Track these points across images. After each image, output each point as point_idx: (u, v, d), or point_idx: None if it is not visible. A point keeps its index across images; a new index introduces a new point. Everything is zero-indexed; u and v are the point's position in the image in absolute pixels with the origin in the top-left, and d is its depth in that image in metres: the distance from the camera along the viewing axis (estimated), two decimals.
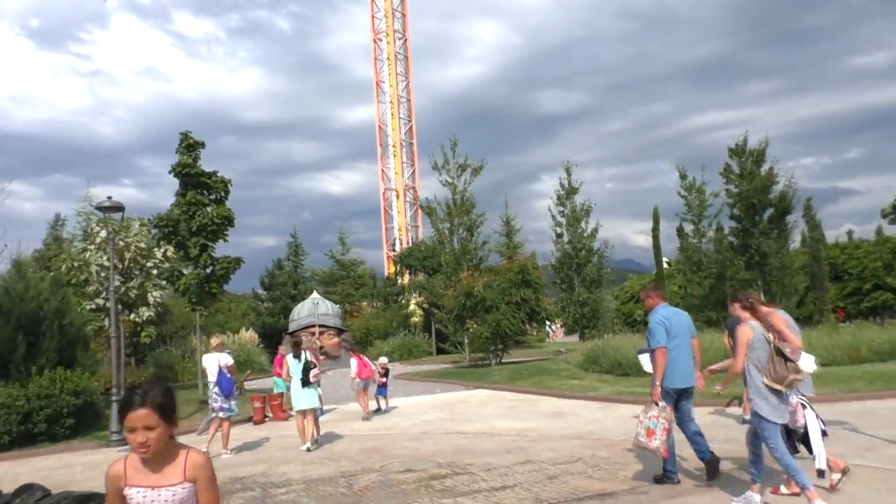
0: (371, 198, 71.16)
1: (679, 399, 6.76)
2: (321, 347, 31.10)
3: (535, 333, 39.55)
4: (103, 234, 18.54)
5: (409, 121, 72.81)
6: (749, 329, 5.78)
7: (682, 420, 6.87)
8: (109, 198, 13.00)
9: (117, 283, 18.32)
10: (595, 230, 28.30)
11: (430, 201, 27.04)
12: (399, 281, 39.77)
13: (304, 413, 10.44)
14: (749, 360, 5.73)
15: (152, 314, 19.37)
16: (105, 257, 18.35)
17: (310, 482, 7.97)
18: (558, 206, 28.70)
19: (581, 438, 9.77)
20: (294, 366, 10.56)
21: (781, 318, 6.24)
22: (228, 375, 9.83)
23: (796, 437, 6.15)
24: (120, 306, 19.21)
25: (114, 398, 12.49)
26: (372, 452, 9.75)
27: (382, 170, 72.07)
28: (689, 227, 28.96)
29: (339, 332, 32.07)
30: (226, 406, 9.85)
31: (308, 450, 10.16)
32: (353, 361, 14.14)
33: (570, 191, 28.42)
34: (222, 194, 17.52)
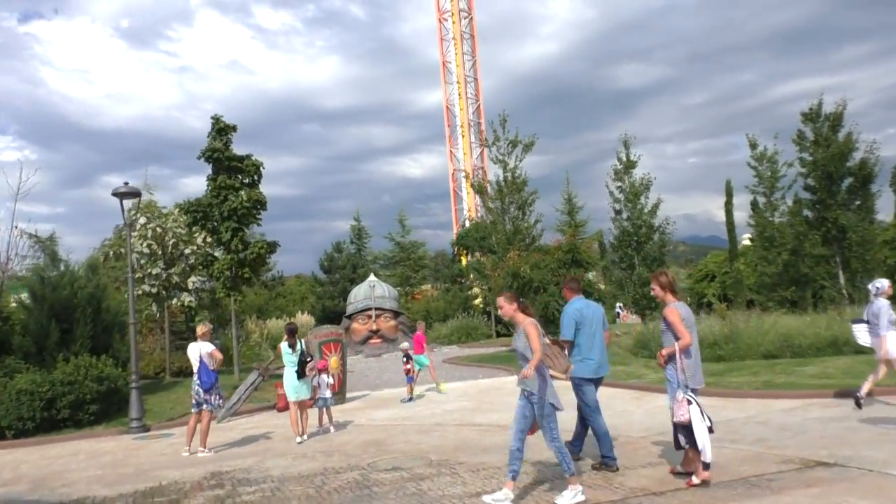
0: (448, 180, 70.73)
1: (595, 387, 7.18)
2: (377, 330, 30.91)
3: None
4: (142, 220, 18.68)
5: (477, 101, 71.69)
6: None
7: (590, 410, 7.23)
8: (126, 183, 12.82)
9: (157, 271, 18.47)
10: (656, 206, 26.69)
11: (481, 180, 26.12)
12: (456, 262, 39.15)
13: (298, 404, 9.96)
14: None
15: (193, 300, 19.41)
16: (145, 244, 18.48)
17: (285, 480, 7.43)
18: (616, 181, 27.20)
19: None
20: (288, 355, 10.05)
21: (677, 311, 6.15)
22: (211, 367, 9.33)
23: (680, 431, 6.23)
24: (164, 292, 19.41)
25: (133, 385, 12.36)
26: (370, 446, 9.15)
27: (451, 151, 71.47)
28: (761, 201, 27.09)
29: (396, 314, 31.72)
30: (205, 399, 9.34)
31: (300, 442, 9.70)
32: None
33: (629, 165, 26.87)
34: (255, 178, 17.23)
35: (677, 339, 6.14)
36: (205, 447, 9.39)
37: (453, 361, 22.39)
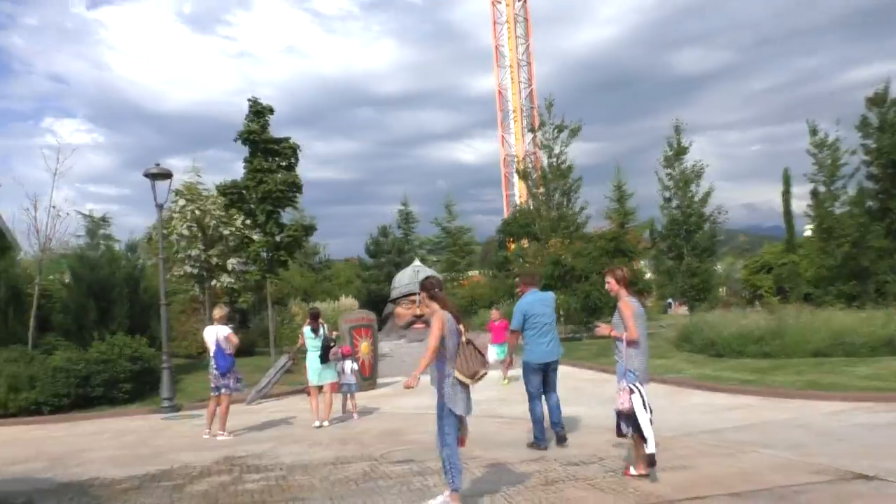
0: (500, 165, 70.21)
1: (545, 372, 7.73)
2: (420, 315, 30.80)
3: (648, 305, 37.21)
4: (182, 202, 18.88)
5: (530, 85, 70.62)
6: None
7: (548, 391, 7.84)
8: (157, 164, 12.87)
9: (197, 252, 18.65)
10: (708, 194, 25.70)
11: (526, 165, 25.59)
12: (503, 249, 38.63)
13: (318, 389, 9.83)
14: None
15: (232, 281, 19.56)
16: (185, 226, 18.66)
17: (293, 468, 7.28)
18: (666, 168, 26.28)
19: None
20: (311, 340, 9.92)
21: (630, 305, 6.24)
22: (227, 351, 9.23)
23: (622, 419, 6.22)
24: (205, 273, 19.62)
25: (164, 365, 12.45)
26: (388, 436, 8.96)
27: (503, 136, 70.74)
28: (821, 190, 25.81)
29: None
30: (222, 383, 9.26)
31: (321, 426, 9.60)
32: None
33: (679, 151, 25.90)
34: (292, 160, 17.17)
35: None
36: (224, 430, 9.34)
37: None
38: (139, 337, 13.81)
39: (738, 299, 32.67)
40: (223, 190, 16.48)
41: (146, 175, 12.75)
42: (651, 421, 6.08)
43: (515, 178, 65.76)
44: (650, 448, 6.00)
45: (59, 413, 12.02)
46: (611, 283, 6.46)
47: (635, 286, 23.63)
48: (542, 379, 7.76)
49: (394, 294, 31.92)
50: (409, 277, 31.74)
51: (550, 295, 8.12)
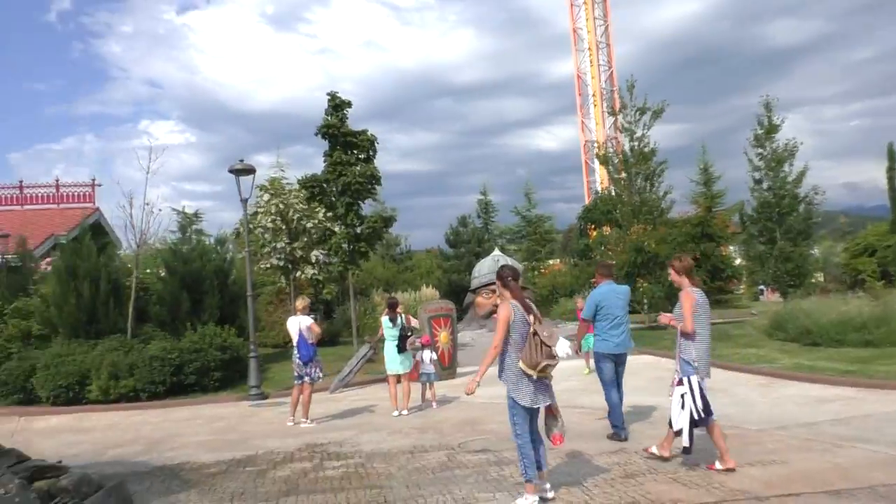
0: (580, 151, 69.04)
1: (615, 364, 7.74)
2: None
3: (739, 292, 35.79)
4: (266, 196, 19.45)
5: (610, 68, 68.94)
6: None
7: (616, 384, 7.76)
8: (241, 161, 13.27)
9: (282, 244, 19.19)
10: (802, 174, 24.37)
11: (606, 150, 25.00)
12: (584, 237, 38.00)
13: (397, 378, 9.92)
14: None
15: (315, 272, 20.03)
16: (269, 219, 19.23)
17: (372, 456, 7.38)
18: (756, 147, 25.07)
19: None
20: (389, 329, 10.01)
21: (692, 296, 6.21)
22: (309, 341, 9.43)
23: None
24: (289, 265, 20.18)
25: (252, 355, 12.87)
26: (466, 425, 8.96)
27: (582, 121, 69.46)
28: None
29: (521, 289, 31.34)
30: (305, 372, 9.47)
31: (400, 415, 9.70)
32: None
33: (770, 129, 24.64)
34: (370, 153, 17.37)
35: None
36: (307, 418, 9.57)
37: (573, 338, 21.77)
38: (228, 327, 14.32)
39: (837, 285, 30.87)
40: (304, 183, 16.85)
41: (231, 171, 13.17)
42: (701, 413, 5.98)
43: (596, 164, 64.56)
44: (684, 441, 5.99)
45: (155, 399, 12.62)
46: (672, 274, 6.51)
47: (723, 272, 22.89)
48: (614, 368, 7.81)
49: (474, 284, 31.87)
50: (488, 267, 31.59)
51: (625, 288, 8.17)
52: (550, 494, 5.41)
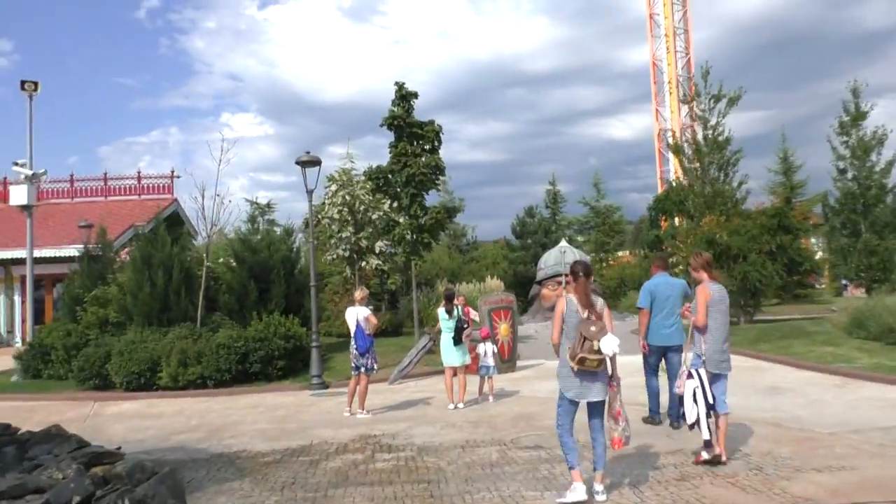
0: (654, 140, 67.36)
1: (665, 354, 7.93)
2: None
3: (820, 287, 34.18)
4: (333, 188, 19.72)
5: (687, 54, 66.84)
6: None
7: (669, 378, 7.81)
8: (308, 152, 13.45)
9: (347, 235, 19.44)
10: (891, 163, 23.01)
11: (678, 139, 24.20)
12: (654, 227, 37.03)
13: (453, 370, 9.88)
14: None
15: (380, 262, 20.21)
16: (336, 210, 19.50)
17: (424, 449, 7.37)
18: (840, 135, 23.81)
19: (775, 426, 7.76)
20: (445, 321, 9.97)
21: (707, 291, 6.33)
22: (367, 332, 9.49)
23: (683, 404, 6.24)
24: (354, 255, 20.44)
25: (314, 344, 13.07)
26: (521, 420, 8.84)
27: (657, 109, 67.71)
28: None
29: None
30: (362, 363, 9.53)
31: (456, 408, 9.67)
32: None
33: (857, 116, 23.35)
34: (435, 143, 17.37)
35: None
36: (363, 409, 9.64)
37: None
38: (292, 317, 14.59)
39: None
40: (370, 175, 17.00)
41: (297, 163, 13.36)
42: (713, 407, 6.14)
43: (669, 152, 62.86)
44: (704, 434, 6.12)
45: (221, 387, 12.97)
46: (692, 271, 6.70)
47: (801, 266, 21.85)
48: (660, 358, 8.07)
49: (539, 275, 31.55)
50: (554, 258, 31.22)
51: (680, 282, 8.30)
52: (602, 497, 5.31)
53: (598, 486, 5.34)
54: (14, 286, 25.73)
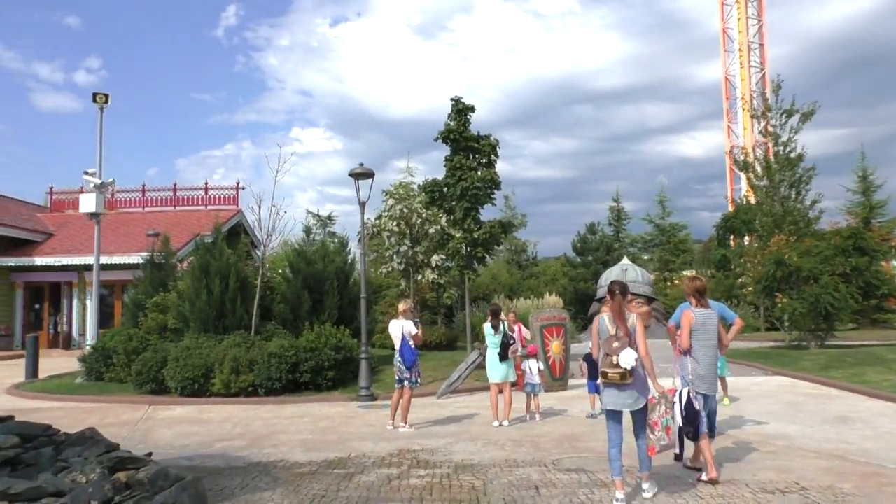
0: (725, 158, 65.53)
1: None
2: None
3: None
4: (390, 202, 19.79)
5: (762, 69, 64.89)
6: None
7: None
8: (361, 164, 13.50)
9: (404, 248, 19.45)
10: None
11: (747, 155, 23.38)
12: (722, 246, 35.79)
13: (498, 387, 9.65)
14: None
15: (436, 276, 20.12)
16: (394, 223, 19.55)
17: (461, 467, 7.16)
18: None
19: (840, 458, 7.23)
20: (491, 337, 9.75)
21: (690, 315, 6.63)
22: (411, 344, 9.36)
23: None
24: (410, 269, 20.43)
25: (363, 356, 13.04)
26: (566, 440, 8.53)
27: (728, 126, 65.85)
28: None
29: (650, 300, 30.00)
30: (406, 377, 9.39)
31: (500, 425, 9.43)
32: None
33: None
34: (491, 157, 17.24)
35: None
36: (405, 423, 9.50)
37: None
38: (344, 328, 14.62)
39: None
40: (425, 188, 16.98)
41: (351, 175, 13.42)
42: (696, 430, 6.38)
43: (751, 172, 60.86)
44: (676, 448, 6.69)
45: (271, 395, 13.08)
46: (685, 293, 7.03)
47: (878, 289, 20.67)
48: None
49: (600, 293, 30.72)
50: (616, 276, 30.42)
51: (717, 305, 8.03)
52: (648, 494, 5.81)
53: (645, 485, 5.85)
54: (87, 291, 26.80)
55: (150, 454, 5.52)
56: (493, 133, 17.25)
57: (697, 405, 6.38)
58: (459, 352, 19.20)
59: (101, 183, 16.24)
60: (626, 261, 32.48)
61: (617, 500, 5.60)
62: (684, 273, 40.87)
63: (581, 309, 32.73)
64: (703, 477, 6.33)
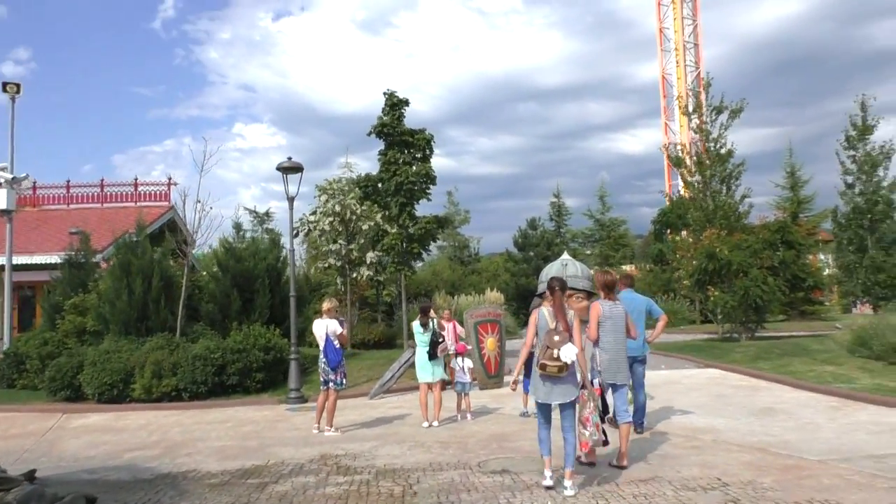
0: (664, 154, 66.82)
1: (631, 365, 7.66)
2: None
3: (828, 303, 33.45)
4: (323, 197, 19.33)
5: (697, 68, 66.42)
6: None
7: (636, 384, 8.24)
8: (289, 158, 13.07)
9: (337, 246, 19.03)
10: None
11: (677, 150, 23.74)
12: (657, 241, 36.44)
13: (427, 387, 9.42)
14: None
15: (371, 273, 19.77)
16: (327, 221, 19.09)
17: (382, 473, 6.88)
18: (847, 149, 23.29)
19: (761, 451, 7.24)
20: (420, 335, 9.51)
21: (598, 307, 6.87)
22: (336, 345, 9.04)
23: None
24: (346, 266, 20.02)
25: (292, 356, 12.62)
26: (495, 440, 8.35)
27: (665, 123, 67.20)
28: None
29: (589, 295, 30.28)
30: (331, 378, 9.07)
31: (430, 426, 9.21)
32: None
33: (864, 130, 22.83)
34: (426, 152, 16.98)
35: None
36: (331, 426, 9.18)
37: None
38: (273, 327, 14.16)
39: None
40: (358, 182, 16.62)
41: (279, 169, 12.97)
42: (610, 414, 6.82)
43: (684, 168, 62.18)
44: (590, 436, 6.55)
45: (197, 400, 12.55)
46: (597, 285, 7.31)
47: (803, 282, 21.25)
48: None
49: (540, 288, 30.70)
50: (556, 271, 30.41)
51: (643, 298, 8.73)
52: (570, 493, 5.74)
53: (567, 482, 5.79)
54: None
55: (32, 471, 5.07)
56: (439, 130, 17.19)
57: (607, 395, 6.83)
58: (398, 350, 18.89)
59: (13, 178, 15.34)
60: (566, 255, 32.66)
61: (546, 477, 5.92)
62: (623, 268, 41.52)
63: (523, 304, 32.78)
64: (614, 462, 6.67)
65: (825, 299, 35.81)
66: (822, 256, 34.91)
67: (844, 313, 36.22)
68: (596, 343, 6.77)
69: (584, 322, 6.66)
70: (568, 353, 5.77)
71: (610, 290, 7.02)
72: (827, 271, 32.34)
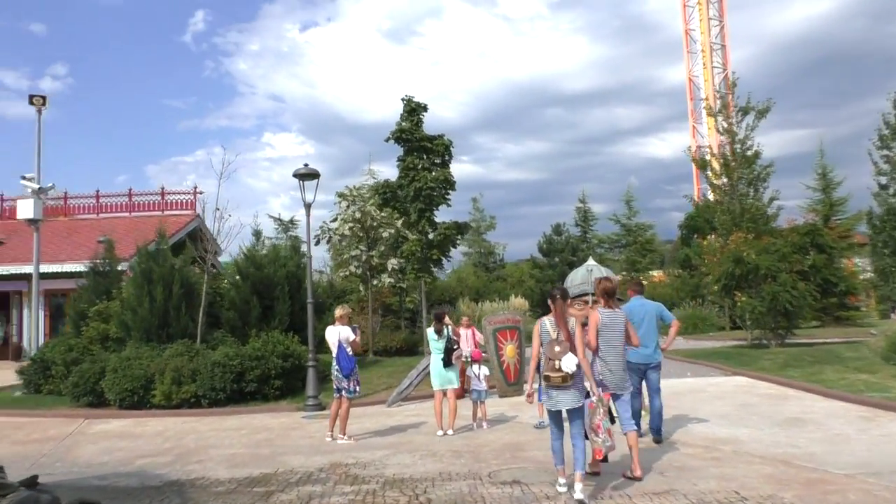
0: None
1: (645, 372, 8.04)
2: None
3: (864, 309, 32.54)
4: (343, 205, 19.30)
5: (724, 69, 65.52)
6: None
7: (651, 391, 8.13)
8: (306, 165, 13.07)
9: (357, 252, 18.99)
10: None
11: (703, 153, 23.32)
12: (685, 245, 35.87)
13: (442, 394, 9.27)
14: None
15: (392, 281, 19.68)
16: (347, 227, 19.05)
17: (391, 482, 6.76)
18: (881, 149, 22.63)
19: (784, 463, 6.96)
20: (434, 342, 9.38)
21: (597, 316, 6.72)
22: (349, 352, 8.95)
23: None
24: (367, 273, 19.97)
25: (310, 364, 12.57)
26: (508, 450, 8.17)
27: (693, 126, 66.36)
28: None
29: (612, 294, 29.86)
30: (344, 386, 8.97)
31: (445, 434, 9.06)
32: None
33: None
34: (445, 157, 16.88)
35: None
36: (344, 434, 9.08)
37: (669, 356, 20.21)
38: (292, 334, 14.14)
39: None
40: (377, 188, 16.58)
41: (295, 175, 12.97)
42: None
43: (708, 169, 61.31)
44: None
45: (216, 406, 12.55)
46: (595, 294, 7.14)
47: (835, 286, 20.68)
48: (641, 376, 8.09)
49: (573, 292, 30.72)
50: (581, 277, 30.20)
51: (653, 304, 8.48)
52: (580, 496, 5.66)
53: (578, 486, 5.74)
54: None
55: (34, 477, 5.03)
56: (467, 136, 17.10)
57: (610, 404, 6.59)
58: (419, 357, 18.78)
59: (40, 188, 15.57)
60: (591, 261, 32.38)
61: (560, 485, 5.98)
62: (652, 273, 40.97)
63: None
64: (627, 473, 6.53)
65: (861, 304, 34.90)
66: (857, 260, 34.03)
67: (882, 319, 35.25)
68: (596, 351, 6.69)
69: (584, 325, 6.52)
70: (569, 363, 5.77)
71: (610, 297, 6.92)
72: (863, 276, 31.49)
